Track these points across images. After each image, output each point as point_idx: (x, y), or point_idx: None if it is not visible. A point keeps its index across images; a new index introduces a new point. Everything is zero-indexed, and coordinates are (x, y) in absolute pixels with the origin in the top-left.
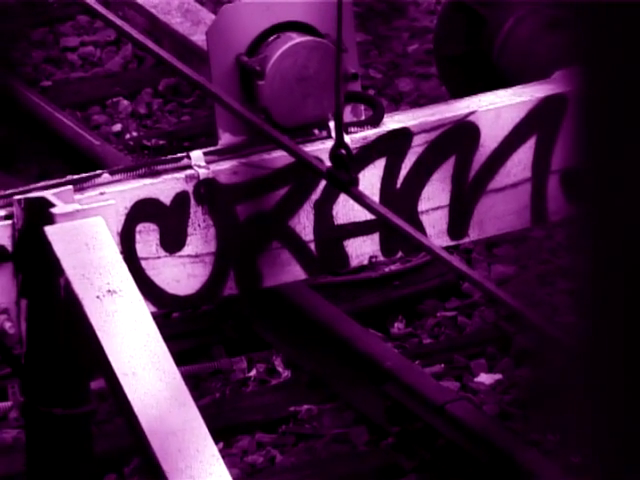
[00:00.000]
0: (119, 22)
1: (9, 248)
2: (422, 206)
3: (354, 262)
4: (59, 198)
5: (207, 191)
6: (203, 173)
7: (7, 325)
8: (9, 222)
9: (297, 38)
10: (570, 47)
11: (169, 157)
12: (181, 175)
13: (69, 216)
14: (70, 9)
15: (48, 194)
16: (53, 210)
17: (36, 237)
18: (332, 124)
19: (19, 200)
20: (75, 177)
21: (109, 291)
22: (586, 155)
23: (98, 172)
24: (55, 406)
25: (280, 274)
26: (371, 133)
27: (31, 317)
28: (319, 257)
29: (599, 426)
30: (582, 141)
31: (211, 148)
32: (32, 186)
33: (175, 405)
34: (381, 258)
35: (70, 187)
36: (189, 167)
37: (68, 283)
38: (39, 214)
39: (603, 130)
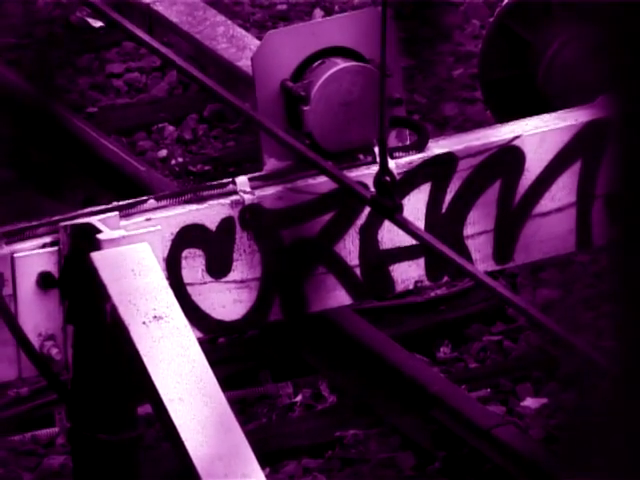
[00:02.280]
0: (163, 49)
1: (55, 274)
2: (467, 231)
3: (400, 287)
4: (105, 224)
5: (252, 216)
6: (248, 199)
7: (54, 351)
8: (55, 248)
9: (341, 63)
10: (610, 72)
11: (214, 183)
12: (227, 201)
13: (115, 242)
14: (115, 36)
15: (94, 220)
16: (99, 236)
17: (82, 263)
18: (377, 149)
19: (65, 226)
20: (121, 203)
21: (155, 317)
22: (624, 178)
23: (144, 198)
24: (102, 432)
25: (326, 299)
26: (416, 158)
27: (77, 343)
28: (364, 282)
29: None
30: (620, 164)
31: (256, 174)
32: (78, 212)
33: (221, 430)
34: (426, 283)
35: (116, 213)
36: (234, 193)
37: (114, 309)
38: (85, 240)
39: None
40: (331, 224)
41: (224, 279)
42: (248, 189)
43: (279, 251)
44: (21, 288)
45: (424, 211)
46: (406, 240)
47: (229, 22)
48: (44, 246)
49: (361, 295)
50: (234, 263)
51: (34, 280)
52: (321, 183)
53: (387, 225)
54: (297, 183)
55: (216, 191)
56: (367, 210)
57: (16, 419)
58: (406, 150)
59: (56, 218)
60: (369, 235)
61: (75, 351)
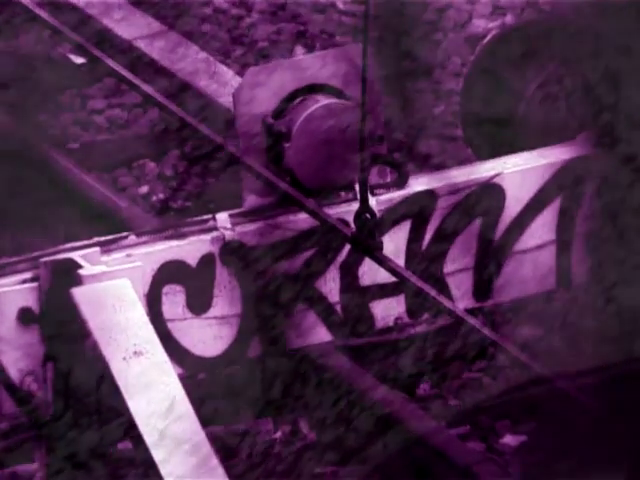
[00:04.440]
0: (145, 85)
1: (36, 310)
2: (447, 268)
3: (380, 324)
4: (86, 260)
5: (233, 253)
6: (229, 235)
7: (34, 386)
8: (35, 284)
9: (323, 100)
10: None
11: (195, 219)
12: (207, 237)
13: (96, 278)
14: (97, 72)
15: (75, 256)
16: (80, 272)
17: (63, 299)
18: (358, 186)
19: (46, 262)
20: (102, 239)
21: (135, 352)
22: None
23: (125, 234)
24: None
25: (306, 336)
26: (396, 195)
27: (57, 379)
28: (345, 319)
29: None
30: None
31: (237, 210)
32: (59, 248)
33: (202, 467)
34: (406, 320)
35: (97, 249)
36: (215, 229)
37: (95, 344)
38: (66, 276)
39: None
40: (312, 260)
41: (204, 315)
42: (229, 225)
43: (259, 287)
44: (1, 323)
45: (404, 248)
46: (387, 277)
47: (210, 59)
48: (24, 282)
49: (341, 332)
50: (214, 299)
51: (14, 315)
52: (302, 220)
53: (368, 262)
54: (277, 219)
55: (197, 227)
56: (348, 247)
57: None
58: (387, 187)
59: (37, 254)
60: (350, 272)
61: (55, 387)
